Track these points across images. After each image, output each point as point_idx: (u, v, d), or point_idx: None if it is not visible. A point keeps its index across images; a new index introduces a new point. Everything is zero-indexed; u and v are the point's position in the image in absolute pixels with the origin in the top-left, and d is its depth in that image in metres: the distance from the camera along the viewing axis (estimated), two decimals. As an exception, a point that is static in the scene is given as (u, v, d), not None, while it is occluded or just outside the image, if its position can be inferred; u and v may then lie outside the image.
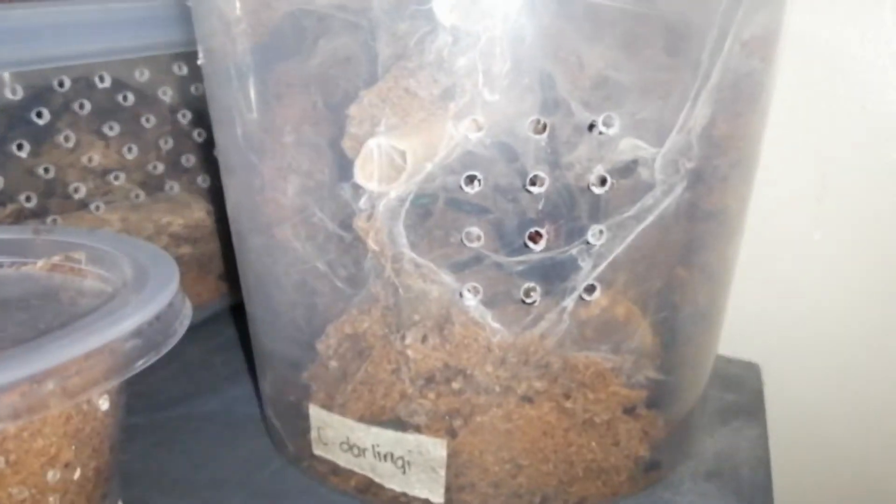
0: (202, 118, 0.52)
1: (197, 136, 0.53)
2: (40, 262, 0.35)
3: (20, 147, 0.43)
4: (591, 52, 0.31)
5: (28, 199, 0.45)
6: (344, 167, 0.33)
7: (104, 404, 0.28)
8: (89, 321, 0.26)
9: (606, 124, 0.30)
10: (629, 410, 0.36)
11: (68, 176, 0.47)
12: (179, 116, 0.51)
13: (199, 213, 0.54)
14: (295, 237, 0.36)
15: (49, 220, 0.46)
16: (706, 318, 0.38)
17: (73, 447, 0.26)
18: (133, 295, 0.28)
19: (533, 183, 0.30)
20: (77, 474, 0.27)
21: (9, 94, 0.42)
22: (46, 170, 0.45)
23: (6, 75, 0.42)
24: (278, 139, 0.35)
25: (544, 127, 0.30)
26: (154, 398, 0.46)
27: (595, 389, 0.34)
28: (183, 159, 0.52)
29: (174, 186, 0.52)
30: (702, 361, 0.39)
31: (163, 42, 0.48)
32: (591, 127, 0.30)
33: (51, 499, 0.26)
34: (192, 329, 0.36)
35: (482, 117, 0.30)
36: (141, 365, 0.26)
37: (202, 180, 0.53)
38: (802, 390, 0.54)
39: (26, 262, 0.35)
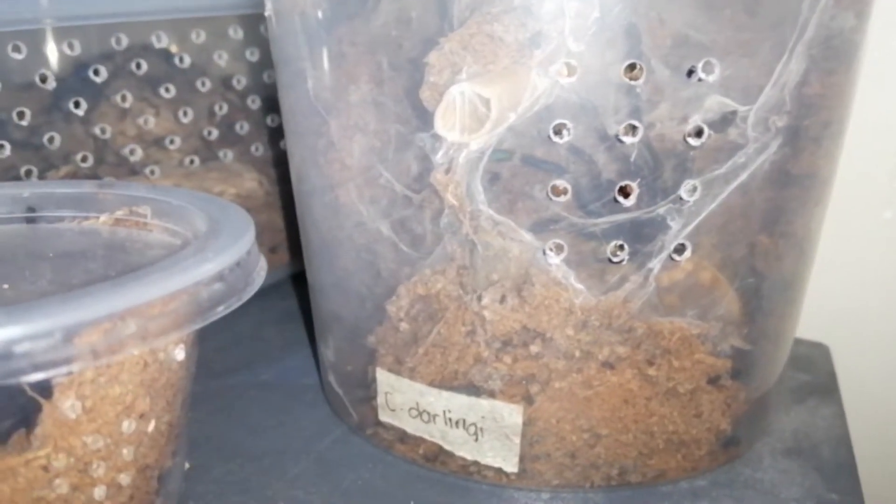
0: (257, 84, 0.51)
1: (251, 103, 0.51)
2: (103, 217, 0.34)
3: (77, 104, 0.42)
4: (671, 8, 0.30)
5: (84, 159, 0.44)
6: (421, 118, 0.31)
7: (180, 354, 0.26)
8: (168, 263, 0.24)
9: (706, 71, 0.28)
10: (713, 380, 0.34)
11: (123, 138, 0.46)
12: (234, 82, 0.50)
13: (251, 182, 0.53)
14: (360, 201, 0.35)
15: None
16: (790, 288, 0.36)
17: (149, 398, 0.25)
18: (210, 241, 0.27)
19: (626, 133, 0.29)
20: (151, 426, 0.26)
21: (66, 49, 0.41)
22: (103, 130, 0.44)
23: (60, 29, 0.41)
24: (344, 98, 0.34)
25: (640, 70, 0.28)
26: (209, 367, 0.45)
27: (680, 356, 0.33)
28: (237, 126, 0.51)
29: (228, 154, 0.51)
30: (784, 334, 0.37)
31: (220, 3, 0.47)
32: (690, 73, 0.29)
33: (125, 451, 0.25)
34: (246, 302, 0.36)
35: (567, 67, 0.29)
36: (222, 311, 0.25)
37: (255, 149, 0.52)
38: (873, 372, 0.52)
39: (89, 216, 0.34)
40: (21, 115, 0.40)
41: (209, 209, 0.31)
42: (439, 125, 0.30)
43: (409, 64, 0.32)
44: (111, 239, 0.32)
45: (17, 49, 0.39)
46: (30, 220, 0.34)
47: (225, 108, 0.50)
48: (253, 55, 0.51)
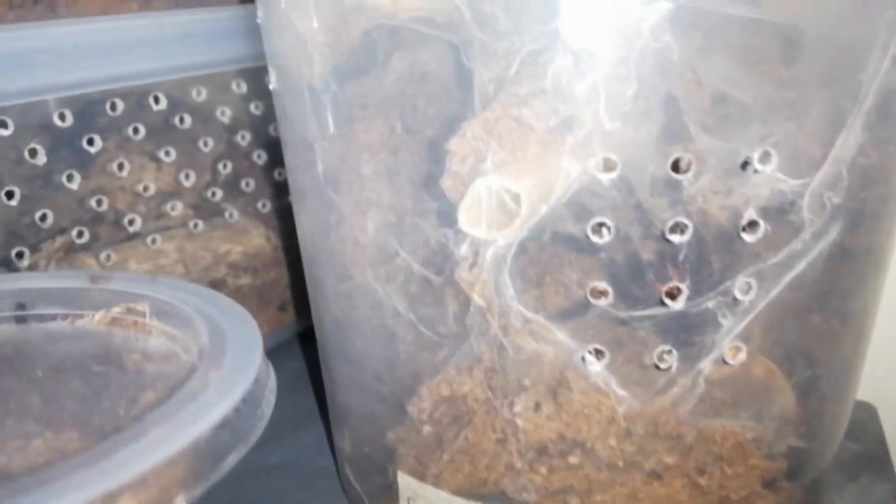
0: (262, 139, 0.48)
1: (257, 158, 0.49)
2: (98, 315, 0.31)
3: (70, 178, 0.40)
4: (707, 66, 0.27)
5: (80, 233, 0.41)
6: (441, 209, 0.28)
7: None
8: (166, 412, 0.22)
9: (763, 161, 0.25)
10: (768, 484, 0.31)
11: (121, 205, 0.43)
12: (238, 138, 0.47)
13: (259, 239, 0.50)
14: (377, 281, 0.32)
15: (102, 254, 0.42)
16: (848, 371, 0.33)
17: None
18: (212, 370, 0.24)
19: (673, 230, 0.26)
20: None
21: (57, 121, 0.39)
22: (99, 201, 0.41)
23: (52, 101, 0.39)
24: (356, 169, 0.31)
25: (689, 164, 0.25)
26: (216, 448, 0.42)
27: (733, 463, 0.30)
28: (242, 183, 0.48)
29: (233, 213, 0.48)
30: (841, 419, 0.34)
31: (222, 58, 0.44)
32: (745, 165, 0.26)
33: None
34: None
35: (602, 149, 0.26)
36: (228, 464, 0.22)
37: (262, 205, 0.49)
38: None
39: (82, 314, 0.32)
40: (10, 195, 0.38)
41: (209, 311, 0.29)
42: (463, 220, 0.27)
43: (426, 129, 0.29)
44: (107, 345, 0.30)
45: (3, 125, 0.37)
46: (19, 320, 0.32)
47: (229, 166, 0.47)
48: (257, 108, 0.48)
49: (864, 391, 0.47)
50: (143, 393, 0.26)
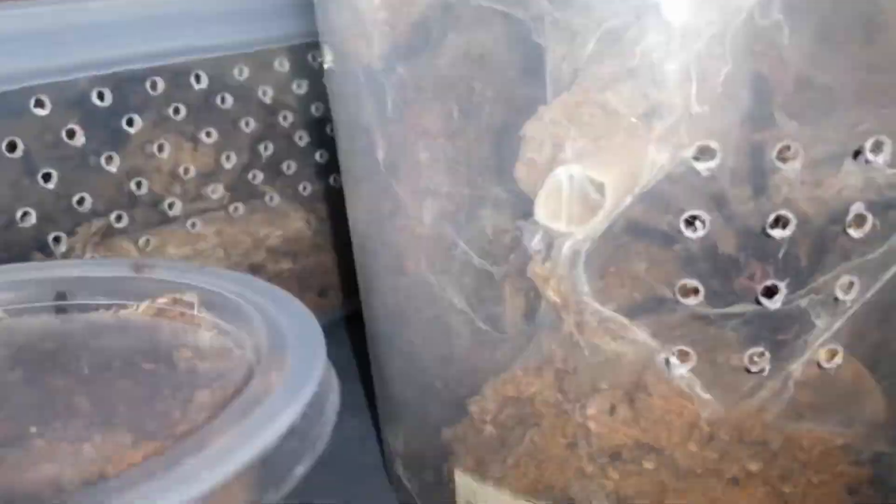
0: (304, 119, 0.46)
1: (298, 139, 0.47)
2: (143, 305, 0.30)
3: (109, 160, 0.38)
4: (789, 42, 0.24)
5: (119, 217, 0.39)
6: (511, 199, 0.27)
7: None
8: (228, 419, 0.20)
9: (875, 150, 0.23)
10: (853, 491, 0.29)
11: (160, 188, 0.41)
12: (280, 118, 0.45)
13: (298, 223, 0.48)
14: (433, 272, 0.30)
15: (141, 239, 0.40)
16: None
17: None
18: (274, 370, 0.22)
19: (774, 224, 0.24)
20: None
21: (95, 100, 0.37)
22: (139, 184, 0.40)
23: (89, 79, 0.37)
24: (412, 155, 0.29)
25: (796, 152, 0.23)
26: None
27: (819, 471, 0.28)
28: (284, 166, 0.46)
29: (273, 196, 0.46)
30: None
31: (264, 36, 0.42)
32: (857, 154, 0.24)
33: None
34: None
35: (688, 136, 0.24)
36: (297, 475, 0.20)
37: (303, 188, 0.48)
38: None
39: (126, 304, 0.30)
40: (47, 178, 0.36)
41: (264, 305, 0.27)
42: (541, 213, 0.25)
43: (485, 112, 0.27)
44: (154, 339, 0.28)
45: (39, 104, 0.35)
46: (59, 310, 0.30)
47: (270, 147, 0.45)
48: (300, 87, 0.46)
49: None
50: (198, 393, 0.24)
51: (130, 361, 0.26)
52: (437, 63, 0.28)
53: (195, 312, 0.29)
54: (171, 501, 0.17)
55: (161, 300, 0.30)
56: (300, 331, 0.25)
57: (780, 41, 0.24)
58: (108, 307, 0.30)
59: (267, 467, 0.20)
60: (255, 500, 0.20)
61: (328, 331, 0.51)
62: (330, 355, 0.49)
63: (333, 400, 0.23)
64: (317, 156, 0.48)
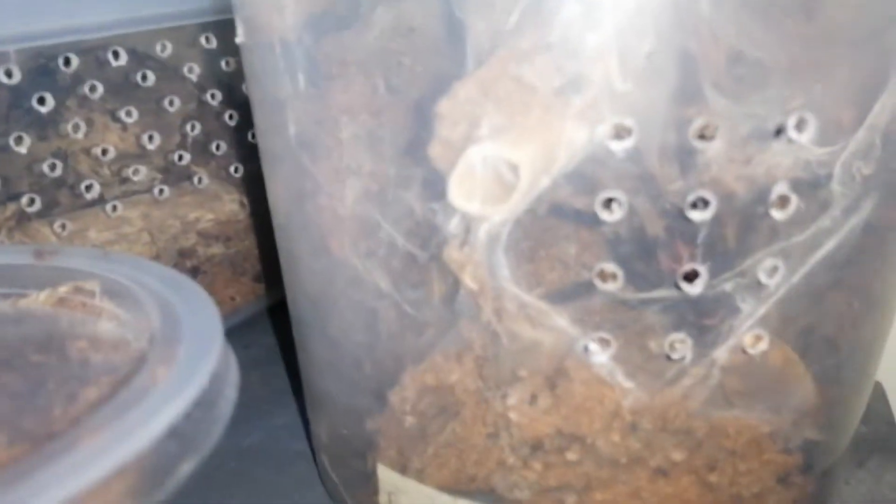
0: (234, 98, 0.45)
1: (228, 118, 0.45)
2: (43, 294, 0.28)
3: (19, 140, 0.36)
4: (722, 17, 0.23)
5: (31, 201, 0.37)
6: (428, 179, 0.25)
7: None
8: (102, 419, 0.18)
9: (800, 128, 0.22)
10: (782, 479, 0.28)
11: (79, 170, 0.39)
12: (208, 97, 0.43)
13: (232, 205, 0.46)
14: (357, 256, 0.29)
15: (57, 223, 0.38)
16: (870, 358, 0.30)
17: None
18: (160, 365, 0.21)
19: (694, 206, 0.23)
20: None
21: (3, 78, 0.35)
22: (52, 165, 0.38)
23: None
24: (334, 133, 0.28)
25: (714, 129, 0.22)
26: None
27: (747, 458, 0.27)
28: (212, 146, 0.44)
29: (202, 177, 0.44)
30: (859, 408, 0.32)
31: (188, 9, 0.40)
32: (779, 132, 0.23)
33: None
34: (226, 338, 0.30)
35: (611, 113, 0.23)
36: (177, 480, 0.19)
37: (234, 169, 0.46)
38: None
39: (26, 293, 0.28)
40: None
41: (166, 294, 0.25)
42: (454, 194, 0.24)
43: (413, 89, 0.26)
44: (51, 330, 0.26)
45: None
46: (-46, 299, 0.28)
47: (198, 127, 0.43)
48: (228, 65, 0.44)
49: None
50: (85, 389, 0.23)
51: (20, 354, 0.25)
52: (365, 36, 0.26)
53: (96, 302, 0.27)
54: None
55: (62, 289, 0.28)
56: (199, 323, 0.24)
57: (707, 14, 0.23)
58: (6, 296, 0.28)
59: (147, 468, 0.18)
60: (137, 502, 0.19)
61: (263, 317, 0.50)
62: (263, 342, 0.48)
63: (228, 395, 0.22)
64: (249, 136, 0.46)
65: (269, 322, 0.50)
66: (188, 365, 0.21)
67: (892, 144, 0.25)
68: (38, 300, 0.28)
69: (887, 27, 0.23)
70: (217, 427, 0.20)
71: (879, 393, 0.44)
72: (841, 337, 0.28)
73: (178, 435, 0.19)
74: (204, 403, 0.20)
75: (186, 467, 0.19)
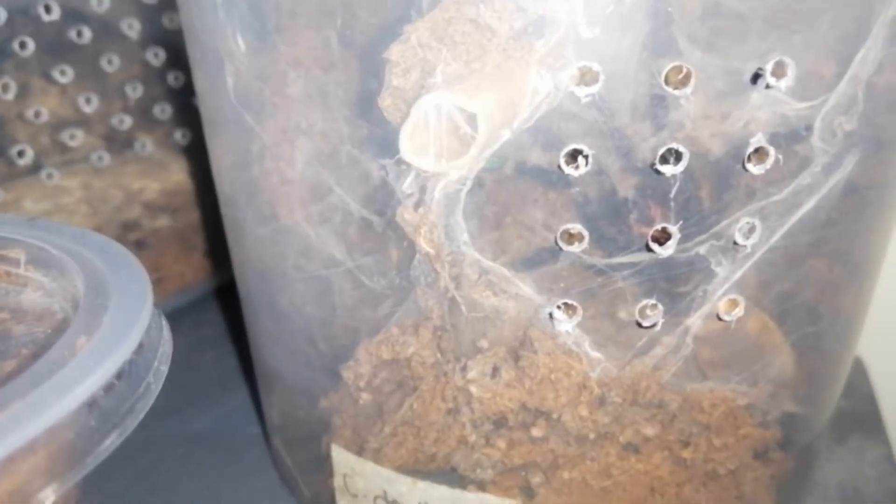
0: (179, 58, 0.42)
1: (173, 80, 0.42)
2: (-36, 264, 0.26)
3: (-58, 100, 0.33)
4: None
5: (-43, 167, 0.35)
6: (380, 135, 0.23)
7: (47, 501, 0.18)
8: (16, 389, 0.16)
9: (777, 74, 0.21)
10: (760, 455, 0.27)
11: (11, 135, 0.37)
12: (150, 56, 0.41)
13: (179, 175, 0.44)
14: (308, 223, 0.27)
15: (-13, 192, 0.36)
16: (851, 327, 0.29)
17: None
18: (81, 334, 0.19)
19: (664, 160, 0.21)
20: None
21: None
22: (-20, 129, 0.35)
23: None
24: (281, 90, 0.26)
25: (687, 76, 0.20)
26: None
27: (722, 433, 0.25)
28: (156, 110, 0.42)
29: (146, 144, 0.42)
30: (839, 381, 0.30)
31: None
32: (756, 78, 0.21)
33: None
34: (175, 317, 0.28)
35: (575, 59, 0.21)
36: (96, 457, 0.17)
37: (181, 136, 0.43)
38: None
39: (-55, 263, 0.26)
40: None
41: (94, 262, 0.23)
42: (406, 148, 0.22)
43: (367, 41, 0.24)
44: (-31, 302, 0.24)
45: None
46: None
47: (140, 89, 0.41)
48: (173, 22, 0.41)
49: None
50: (3, 362, 0.21)
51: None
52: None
53: (21, 271, 0.25)
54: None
55: (-15, 258, 0.26)
56: (127, 291, 0.21)
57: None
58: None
59: (62, 445, 0.16)
60: (50, 481, 0.16)
61: (214, 295, 0.48)
62: (214, 322, 0.45)
63: (159, 369, 0.20)
64: (196, 100, 0.43)
65: (221, 301, 0.48)
66: (112, 334, 0.18)
67: (874, 98, 0.23)
68: (-43, 270, 0.26)
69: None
70: (143, 403, 0.18)
71: (860, 369, 0.43)
72: (821, 304, 0.27)
73: (98, 409, 0.17)
74: (128, 376, 0.18)
75: (108, 444, 0.17)
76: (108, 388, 0.17)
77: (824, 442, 0.35)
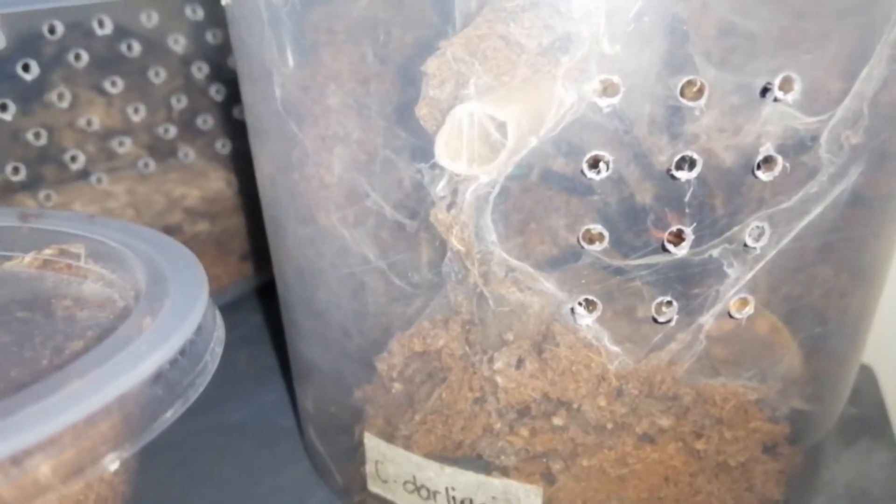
0: (221, 72, 0.44)
1: (215, 93, 0.45)
2: (28, 257, 0.28)
3: (4, 108, 0.36)
4: None
5: (16, 170, 0.37)
6: (415, 143, 0.25)
7: (112, 464, 0.20)
8: (90, 361, 0.18)
9: (785, 88, 0.22)
10: (769, 449, 0.28)
11: (63, 141, 0.39)
12: (194, 70, 0.43)
13: (218, 182, 0.46)
14: (344, 225, 0.29)
15: (41, 194, 0.38)
16: (857, 330, 0.30)
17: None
18: (147, 316, 0.21)
19: (680, 166, 0.23)
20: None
21: (-13, 43, 0.35)
22: (37, 134, 0.37)
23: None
24: (321, 101, 0.28)
25: (701, 90, 0.22)
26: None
27: (733, 426, 0.27)
28: (199, 120, 0.44)
29: (188, 153, 0.44)
30: (847, 381, 0.32)
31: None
32: (765, 91, 0.23)
33: None
34: None
35: (598, 73, 0.23)
36: (161, 424, 0.19)
37: (221, 145, 0.46)
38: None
39: (11, 255, 0.28)
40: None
41: (153, 254, 0.25)
42: (441, 154, 0.24)
43: (401, 56, 0.26)
44: (36, 289, 0.26)
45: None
46: (-63, 262, 0.28)
47: (184, 100, 0.43)
48: (216, 38, 0.44)
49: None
50: (71, 342, 0.23)
51: (6, 311, 0.25)
52: (353, 5, 0.26)
53: (81, 264, 0.27)
54: (15, 445, 0.16)
55: (47, 251, 0.28)
56: (184, 280, 0.23)
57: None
58: (-9, 258, 0.28)
59: (132, 411, 0.18)
60: (120, 446, 0.18)
61: (251, 296, 0.50)
62: (251, 322, 0.47)
63: (215, 350, 0.22)
64: (235, 112, 0.46)
65: (257, 302, 0.50)
66: (174, 315, 0.20)
67: (879, 113, 0.25)
68: (22, 262, 0.28)
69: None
70: (202, 378, 0.20)
71: (870, 377, 0.44)
72: (828, 307, 0.28)
73: (164, 381, 0.19)
74: (190, 353, 0.20)
75: (171, 414, 0.19)
76: (173, 362, 0.19)
77: (833, 444, 0.37)
